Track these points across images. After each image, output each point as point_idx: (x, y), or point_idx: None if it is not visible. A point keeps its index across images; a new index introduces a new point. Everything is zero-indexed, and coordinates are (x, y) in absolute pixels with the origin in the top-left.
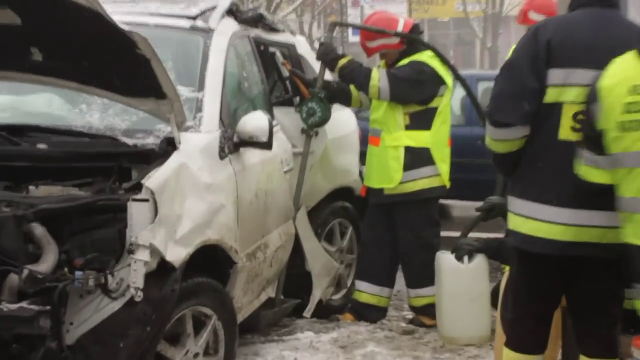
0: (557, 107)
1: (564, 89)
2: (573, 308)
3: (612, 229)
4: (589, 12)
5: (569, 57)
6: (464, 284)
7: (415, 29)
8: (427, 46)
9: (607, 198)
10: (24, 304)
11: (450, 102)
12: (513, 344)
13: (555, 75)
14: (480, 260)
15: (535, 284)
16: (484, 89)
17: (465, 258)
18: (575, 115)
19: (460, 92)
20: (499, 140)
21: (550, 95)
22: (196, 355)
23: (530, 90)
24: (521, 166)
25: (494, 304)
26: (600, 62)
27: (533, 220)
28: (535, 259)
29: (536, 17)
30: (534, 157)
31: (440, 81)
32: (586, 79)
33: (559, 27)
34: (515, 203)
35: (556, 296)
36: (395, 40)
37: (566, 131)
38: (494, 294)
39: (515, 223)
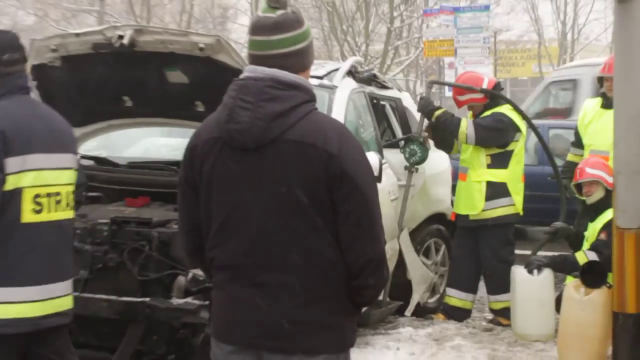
0: None
1: None
2: None
3: None
4: None
5: None
6: (534, 292)
7: (498, 86)
8: (506, 100)
9: None
10: (189, 300)
11: (524, 146)
12: None
13: None
14: (547, 273)
15: None
16: (553, 135)
17: (535, 271)
18: None
19: (534, 138)
20: None
21: None
22: None
23: None
24: None
25: (557, 308)
26: None
27: None
28: None
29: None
30: None
31: (516, 129)
32: None
33: None
34: None
35: None
36: (481, 95)
37: None
38: (558, 300)
39: None
